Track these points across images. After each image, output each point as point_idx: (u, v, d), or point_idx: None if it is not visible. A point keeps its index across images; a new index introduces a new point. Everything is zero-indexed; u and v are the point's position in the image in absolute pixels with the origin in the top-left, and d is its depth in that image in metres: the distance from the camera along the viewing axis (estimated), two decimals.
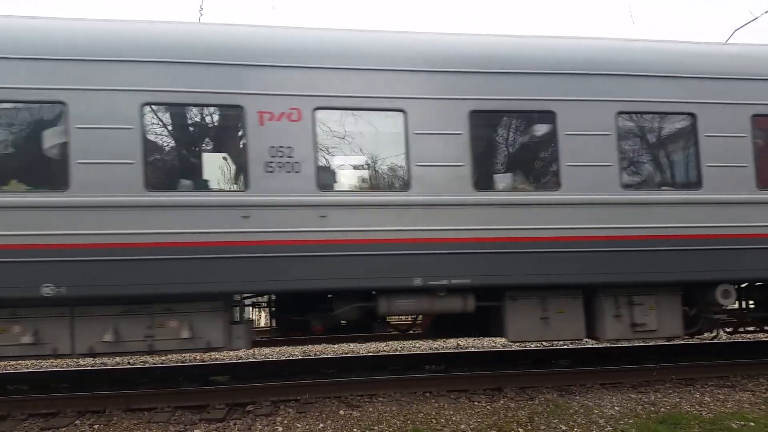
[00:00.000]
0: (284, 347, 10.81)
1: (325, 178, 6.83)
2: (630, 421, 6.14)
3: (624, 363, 8.67)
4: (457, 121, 6.95)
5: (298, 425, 6.08)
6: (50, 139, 6.40)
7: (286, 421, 6.18)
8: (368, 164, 7.14)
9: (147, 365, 9.21)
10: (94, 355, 6.75)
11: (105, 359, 9.71)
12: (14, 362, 9.27)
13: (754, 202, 7.38)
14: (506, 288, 7.21)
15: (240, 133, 6.66)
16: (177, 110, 6.72)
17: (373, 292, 7.08)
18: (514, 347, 10.30)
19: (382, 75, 6.90)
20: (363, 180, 7.11)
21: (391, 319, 10.20)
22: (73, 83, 6.29)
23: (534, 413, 6.36)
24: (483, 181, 7.06)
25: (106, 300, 6.49)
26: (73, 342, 6.53)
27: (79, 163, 6.25)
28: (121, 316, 6.59)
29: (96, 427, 6.14)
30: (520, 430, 5.95)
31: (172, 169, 6.86)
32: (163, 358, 9.97)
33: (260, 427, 6.06)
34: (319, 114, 6.71)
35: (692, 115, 7.37)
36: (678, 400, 6.87)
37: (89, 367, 9.14)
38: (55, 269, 6.15)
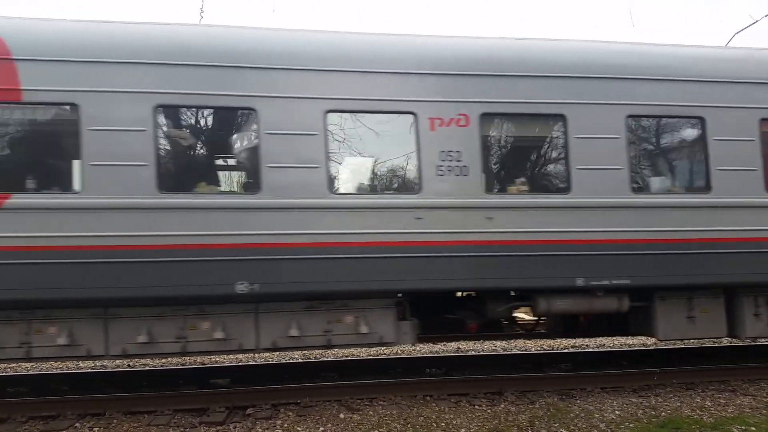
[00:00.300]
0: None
1: (492, 181, 7.19)
2: (631, 426, 6.13)
3: (625, 367, 8.66)
4: (614, 125, 7.21)
5: (299, 428, 6.07)
6: (241, 143, 6.95)
7: (286, 425, 6.17)
8: (530, 167, 7.65)
9: (147, 368, 9.19)
10: (278, 349, 7.07)
11: (106, 362, 9.70)
12: (14, 364, 9.24)
13: None
14: (656, 288, 7.50)
15: (413, 139, 6.90)
16: (353, 116, 6.93)
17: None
18: (515, 351, 10.28)
19: (544, 81, 7.14)
20: (525, 183, 7.30)
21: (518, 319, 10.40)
22: (262, 91, 6.63)
23: (535, 417, 6.35)
24: (639, 184, 7.42)
25: (291, 297, 6.84)
26: (258, 337, 6.88)
27: (269, 167, 6.56)
28: (304, 312, 6.97)
29: (96, 429, 6.14)
30: None
31: (352, 173, 7.18)
32: (163, 360, 9.94)
33: (260, 430, 6.06)
34: (486, 119, 7.00)
35: None
36: (679, 404, 6.86)
37: (89, 370, 9.12)
38: (249, 268, 6.44)
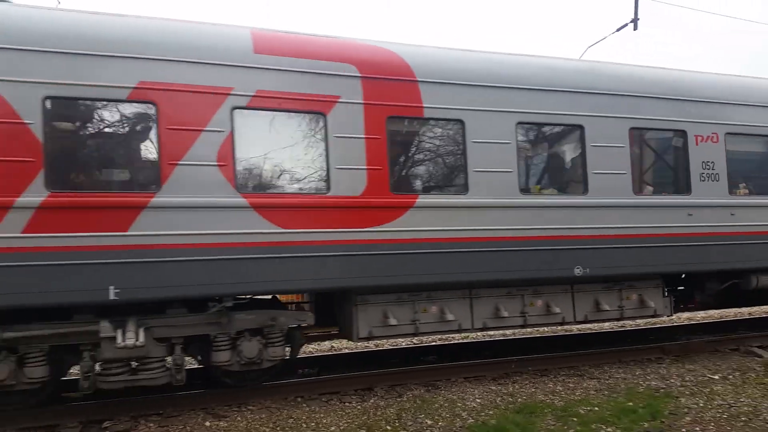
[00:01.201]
0: None
1: (732, 184, 8.96)
2: (490, 412, 6.48)
3: (486, 357, 9.14)
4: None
5: None
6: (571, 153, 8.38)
7: None
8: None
9: None
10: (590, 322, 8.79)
11: None
12: None
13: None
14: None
15: (682, 151, 8.73)
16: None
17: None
18: (387, 345, 10.50)
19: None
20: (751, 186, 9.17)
21: None
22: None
23: (402, 410, 6.53)
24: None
25: (605, 279, 8.51)
26: (575, 311, 8.52)
27: (595, 173, 8.16)
28: (602, 291, 8.65)
29: None
30: (388, 427, 6.08)
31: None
32: None
33: None
34: (729, 137, 8.96)
35: None
36: (533, 390, 7.37)
37: None
38: (583, 255, 7.95)
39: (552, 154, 8.56)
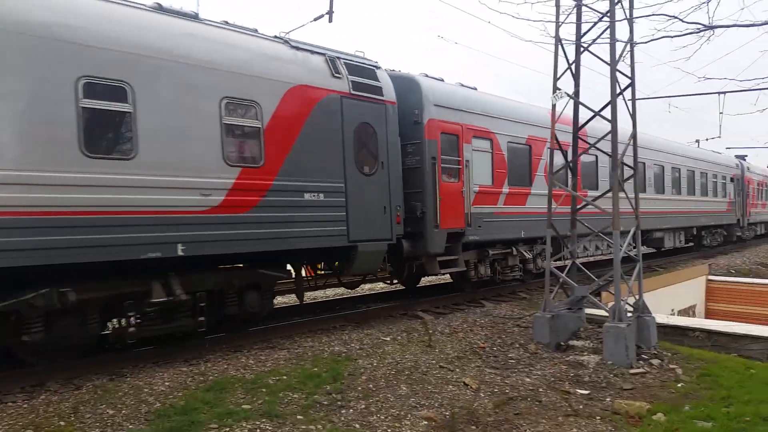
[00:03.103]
0: None
1: None
2: (179, 394, 6.36)
3: (181, 339, 8.88)
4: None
5: None
6: None
7: None
8: None
9: None
10: None
11: None
12: None
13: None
14: None
15: None
16: None
17: None
18: None
19: None
20: None
21: None
22: None
23: (80, 402, 5.98)
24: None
25: None
26: None
27: None
28: None
29: None
30: (61, 423, 5.53)
31: None
32: None
33: None
34: None
35: None
36: (226, 366, 7.43)
37: None
38: None
39: None
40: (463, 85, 12.84)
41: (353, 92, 9.59)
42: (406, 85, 10.97)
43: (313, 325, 9.73)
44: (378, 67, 10.48)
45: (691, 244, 24.14)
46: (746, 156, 31.67)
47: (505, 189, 12.92)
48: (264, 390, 6.65)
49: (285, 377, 7.12)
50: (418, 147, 10.87)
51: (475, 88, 13.14)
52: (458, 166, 11.52)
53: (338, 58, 9.70)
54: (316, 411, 6.26)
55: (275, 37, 9.20)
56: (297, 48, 9.19)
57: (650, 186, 19.20)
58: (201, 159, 7.70)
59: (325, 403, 6.48)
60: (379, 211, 9.92)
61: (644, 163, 18.26)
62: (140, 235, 7.06)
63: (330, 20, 12.86)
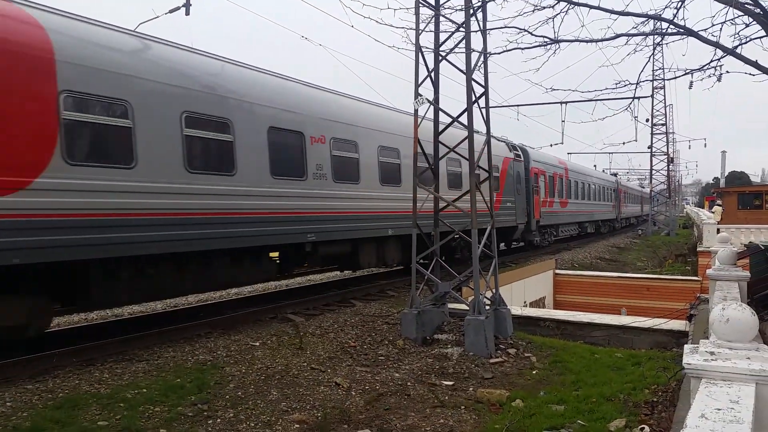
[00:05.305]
0: None
1: None
2: (25, 414, 5.76)
3: (21, 354, 8.05)
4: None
5: None
6: None
7: None
8: None
9: None
10: None
11: None
12: None
13: None
14: None
15: None
16: None
17: None
18: None
19: None
20: None
21: None
22: None
23: None
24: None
25: None
26: None
27: None
28: None
29: None
30: None
31: None
32: None
33: None
34: None
35: None
36: (78, 381, 6.84)
37: None
38: None
39: None
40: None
41: (515, 158, 21.68)
42: (524, 150, 23.59)
43: (174, 334, 9.22)
44: (520, 146, 23.44)
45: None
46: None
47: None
48: (122, 405, 6.21)
49: (145, 390, 6.70)
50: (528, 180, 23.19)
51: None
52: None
53: (509, 143, 22.09)
54: (180, 423, 5.96)
55: (500, 138, 22.13)
56: (501, 141, 21.41)
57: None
58: None
59: (191, 414, 6.20)
60: (523, 211, 22.22)
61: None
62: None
63: (187, 13, 12.36)
